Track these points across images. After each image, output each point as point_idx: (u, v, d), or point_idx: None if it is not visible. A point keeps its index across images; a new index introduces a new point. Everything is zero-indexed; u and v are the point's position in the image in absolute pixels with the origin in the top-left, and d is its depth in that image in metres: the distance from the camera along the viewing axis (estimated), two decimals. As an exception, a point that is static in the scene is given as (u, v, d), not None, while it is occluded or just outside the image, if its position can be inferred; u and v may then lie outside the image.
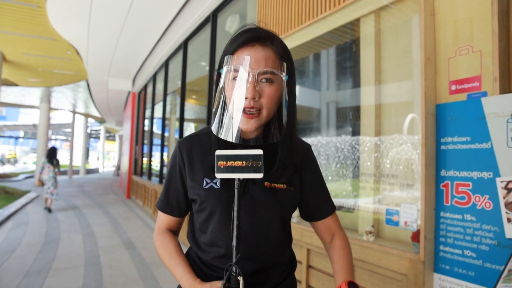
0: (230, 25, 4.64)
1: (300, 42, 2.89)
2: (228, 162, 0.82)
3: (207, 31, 5.29)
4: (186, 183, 1.01)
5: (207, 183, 0.97)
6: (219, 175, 0.83)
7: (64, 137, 43.09)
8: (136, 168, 11.21)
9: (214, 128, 0.86)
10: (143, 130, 11.00)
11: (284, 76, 0.87)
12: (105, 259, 4.41)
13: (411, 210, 1.92)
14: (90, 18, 6.37)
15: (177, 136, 6.96)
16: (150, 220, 7.35)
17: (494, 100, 1.52)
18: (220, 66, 0.91)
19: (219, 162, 0.83)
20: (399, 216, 1.98)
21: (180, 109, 6.46)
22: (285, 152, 0.96)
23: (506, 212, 1.46)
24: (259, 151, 0.83)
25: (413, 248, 1.82)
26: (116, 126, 24.24)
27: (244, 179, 0.83)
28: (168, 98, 8.02)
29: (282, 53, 0.90)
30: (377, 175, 2.24)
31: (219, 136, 0.86)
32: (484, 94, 1.57)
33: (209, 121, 4.88)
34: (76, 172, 24.61)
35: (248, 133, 0.91)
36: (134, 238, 5.63)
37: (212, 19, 5.00)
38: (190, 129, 8.79)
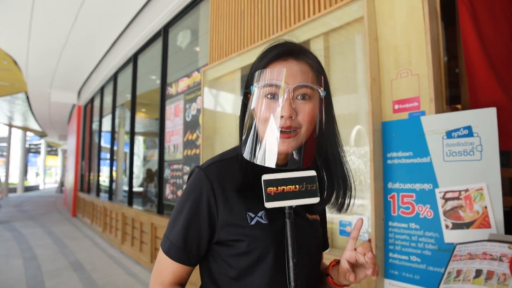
0: (181, 40, 4.64)
1: (253, 60, 2.97)
2: (279, 187, 0.71)
3: (158, 45, 5.24)
4: (217, 222, 0.81)
5: (251, 218, 0.79)
6: (269, 204, 0.70)
7: (-2, 153, 39.71)
8: (83, 184, 10.66)
9: (246, 152, 0.75)
10: (90, 144, 10.52)
11: (322, 92, 0.78)
12: (51, 284, 4.13)
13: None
14: (30, 26, 6.02)
15: (126, 149, 6.75)
16: (100, 239, 7.01)
17: (431, 119, 1.69)
18: (248, 85, 0.84)
19: (269, 188, 0.70)
20: (352, 227, 2.10)
21: (130, 122, 6.29)
22: (341, 182, 0.85)
23: (444, 220, 1.62)
24: (313, 172, 0.73)
25: (365, 256, 1.94)
26: (59, 140, 22.89)
27: (291, 209, 0.72)
28: (117, 112, 7.77)
29: (318, 67, 0.83)
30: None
31: (253, 160, 0.74)
32: (423, 113, 1.74)
33: (161, 134, 4.81)
34: (13, 190, 22.84)
35: (285, 155, 0.79)
36: (82, 259, 5.33)
37: (163, 33, 4.97)
38: (139, 142, 8.54)
